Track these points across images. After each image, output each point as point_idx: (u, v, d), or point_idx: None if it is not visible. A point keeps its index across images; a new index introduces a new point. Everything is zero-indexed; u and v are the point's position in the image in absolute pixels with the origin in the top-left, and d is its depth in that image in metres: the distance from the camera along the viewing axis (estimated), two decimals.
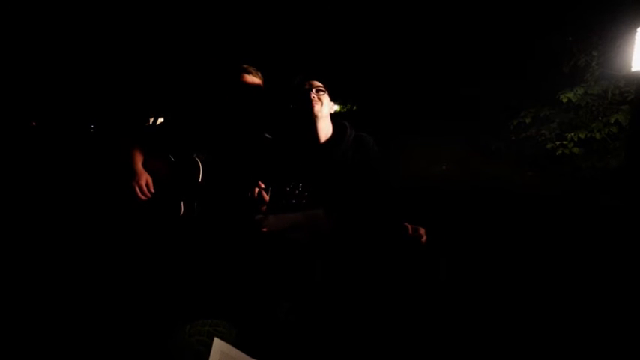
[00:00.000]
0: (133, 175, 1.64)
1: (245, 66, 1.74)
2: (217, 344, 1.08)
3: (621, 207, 3.20)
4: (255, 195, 1.52)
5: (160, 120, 7.26)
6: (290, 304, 1.48)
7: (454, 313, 1.90)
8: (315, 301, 1.49)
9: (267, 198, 1.53)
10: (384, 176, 1.72)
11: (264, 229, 1.53)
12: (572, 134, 4.53)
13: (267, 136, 1.81)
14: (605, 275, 2.36)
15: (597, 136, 4.40)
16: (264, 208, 1.54)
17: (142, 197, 1.63)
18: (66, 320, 1.76)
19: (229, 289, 1.53)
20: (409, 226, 1.54)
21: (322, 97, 1.69)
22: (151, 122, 7.73)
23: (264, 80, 1.79)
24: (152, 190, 1.66)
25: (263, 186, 1.53)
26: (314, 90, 1.68)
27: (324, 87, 1.70)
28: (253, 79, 1.74)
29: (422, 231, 1.56)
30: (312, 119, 1.68)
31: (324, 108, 1.69)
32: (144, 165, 1.70)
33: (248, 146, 1.74)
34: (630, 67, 3.09)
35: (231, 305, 1.43)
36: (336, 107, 1.79)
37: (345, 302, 1.52)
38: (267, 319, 1.44)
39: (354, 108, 6.29)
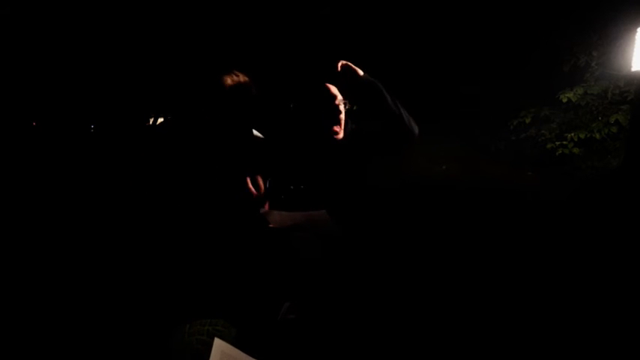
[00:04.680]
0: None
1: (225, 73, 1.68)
2: (218, 344, 1.08)
3: (620, 207, 3.20)
4: (252, 188, 1.52)
5: (160, 120, 7.26)
6: (290, 303, 1.48)
7: (453, 313, 1.91)
8: (315, 300, 1.49)
9: (262, 186, 1.52)
10: (400, 112, 1.59)
11: (271, 225, 1.53)
12: (572, 134, 4.54)
13: (259, 134, 1.81)
14: (606, 275, 2.36)
15: (597, 136, 4.41)
16: (262, 195, 1.53)
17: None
18: (66, 320, 1.76)
19: (229, 288, 1.54)
20: None
21: (342, 115, 1.64)
22: (151, 122, 7.72)
23: (257, 80, 1.76)
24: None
25: (260, 179, 1.53)
26: (342, 106, 1.63)
27: (344, 102, 1.66)
28: (232, 82, 1.69)
29: None
30: (333, 141, 1.64)
31: (343, 125, 1.66)
32: (143, 167, 1.70)
33: (243, 144, 1.75)
34: (630, 67, 3.10)
35: (231, 304, 1.43)
36: None
37: (346, 302, 1.52)
38: (267, 318, 1.44)
39: (354, 108, 6.29)
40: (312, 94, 1.67)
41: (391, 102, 1.56)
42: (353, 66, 1.57)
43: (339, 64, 1.56)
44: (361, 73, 1.58)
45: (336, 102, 1.63)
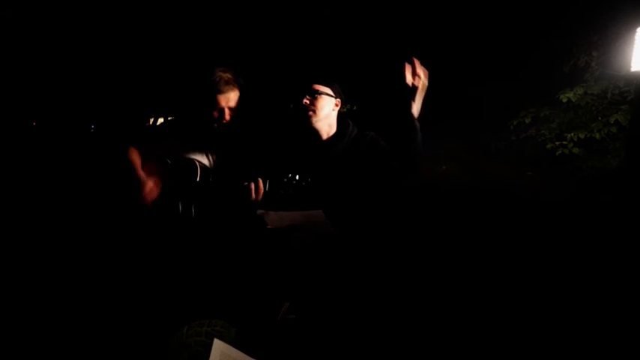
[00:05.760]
0: (139, 183, 1.63)
1: (217, 77, 1.65)
2: (217, 345, 1.08)
3: (620, 207, 3.20)
4: (252, 186, 1.52)
5: (160, 120, 7.26)
6: (290, 303, 1.48)
7: (453, 313, 1.90)
8: (315, 300, 1.49)
9: (261, 188, 1.53)
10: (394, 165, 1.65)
11: (268, 226, 1.53)
12: (572, 134, 4.53)
13: (262, 130, 1.81)
14: (605, 276, 2.36)
15: (597, 136, 4.40)
16: (261, 197, 1.54)
17: (147, 203, 1.62)
18: (65, 322, 1.76)
19: (228, 288, 1.54)
20: None
21: (317, 101, 1.67)
22: (151, 122, 7.73)
23: (258, 81, 1.77)
24: (155, 196, 1.64)
25: (260, 181, 1.54)
26: (307, 96, 1.67)
27: (320, 90, 1.68)
28: (227, 88, 1.69)
29: None
30: (307, 122, 1.68)
31: (320, 112, 1.67)
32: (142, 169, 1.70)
33: (243, 143, 1.75)
34: (630, 67, 3.09)
35: (230, 305, 1.43)
36: (337, 107, 1.77)
37: (345, 302, 1.52)
38: (267, 318, 1.44)
39: (354, 108, 6.28)
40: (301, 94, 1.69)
41: (417, 147, 1.60)
42: (421, 91, 1.62)
43: (418, 73, 1.60)
44: (416, 111, 1.64)
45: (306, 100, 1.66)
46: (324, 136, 1.72)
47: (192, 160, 1.69)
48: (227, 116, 1.67)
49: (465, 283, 2.25)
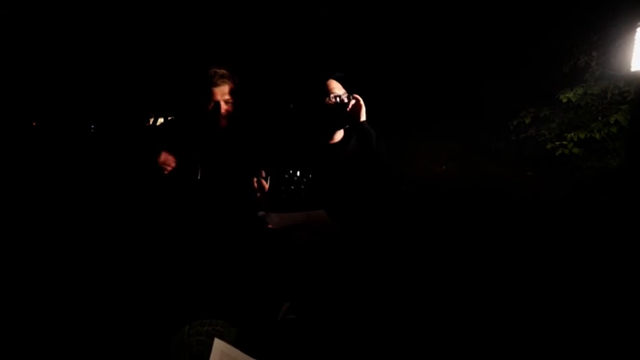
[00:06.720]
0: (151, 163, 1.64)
1: (212, 72, 1.66)
2: (217, 344, 1.08)
3: (620, 207, 3.20)
4: (255, 184, 1.52)
5: (160, 120, 7.26)
6: (290, 303, 1.48)
7: (453, 313, 1.91)
8: (315, 300, 1.50)
9: (266, 186, 1.53)
10: (386, 163, 1.66)
11: (269, 226, 1.53)
12: (572, 134, 4.54)
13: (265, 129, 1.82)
14: (605, 275, 2.37)
15: (597, 136, 4.41)
16: (263, 195, 1.54)
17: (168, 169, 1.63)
18: (66, 322, 1.76)
19: (229, 288, 1.54)
20: None
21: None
22: (151, 122, 7.72)
23: (258, 81, 1.77)
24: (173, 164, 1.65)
25: (263, 174, 1.54)
26: (351, 99, 1.65)
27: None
28: (219, 88, 1.68)
29: None
30: (342, 125, 1.67)
31: None
32: (144, 167, 1.70)
33: (244, 142, 1.75)
34: (630, 67, 3.09)
35: (231, 304, 1.44)
36: None
37: (346, 302, 1.52)
38: (267, 319, 1.44)
39: None
40: (308, 91, 1.68)
41: (376, 153, 1.62)
42: (362, 107, 1.66)
43: (353, 99, 1.64)
44: (363, 118, 1.66)
45: (334, 98, 1.64)
46: (336, 139, 1.72)
47: (193, 159, 1.69)
48: (223, 110, 1.67)
49: (466, 282, 2.25)
